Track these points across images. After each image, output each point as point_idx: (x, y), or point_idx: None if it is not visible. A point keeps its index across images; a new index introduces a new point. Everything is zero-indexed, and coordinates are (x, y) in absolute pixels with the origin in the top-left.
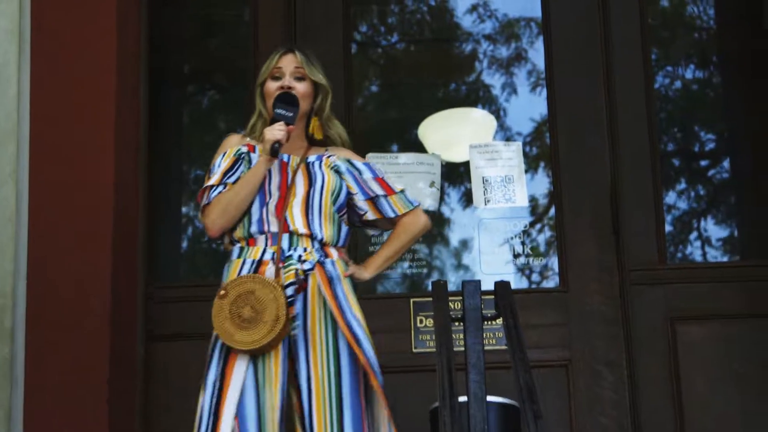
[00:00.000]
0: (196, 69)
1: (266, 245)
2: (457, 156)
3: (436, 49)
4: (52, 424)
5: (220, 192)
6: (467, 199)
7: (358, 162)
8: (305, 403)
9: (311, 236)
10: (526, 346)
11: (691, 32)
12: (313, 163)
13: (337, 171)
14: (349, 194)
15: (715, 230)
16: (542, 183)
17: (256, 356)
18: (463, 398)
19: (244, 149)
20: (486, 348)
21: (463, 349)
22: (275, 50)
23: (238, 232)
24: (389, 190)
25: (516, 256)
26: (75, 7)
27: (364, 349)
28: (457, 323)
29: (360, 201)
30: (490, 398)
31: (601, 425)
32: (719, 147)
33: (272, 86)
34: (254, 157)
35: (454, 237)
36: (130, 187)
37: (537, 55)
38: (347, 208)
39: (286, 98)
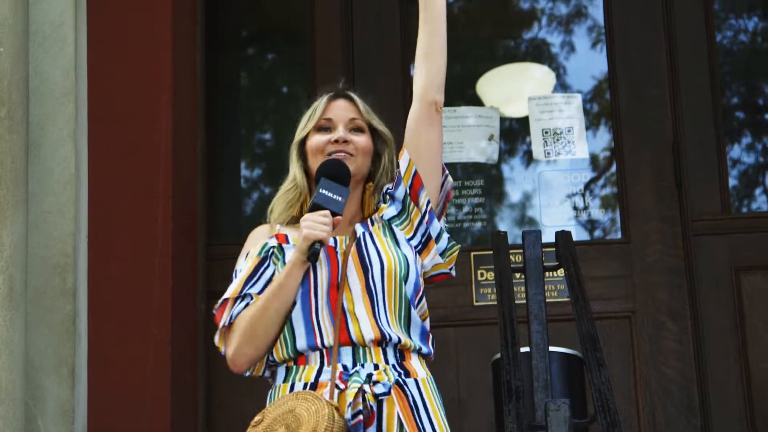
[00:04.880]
0: (252, 30)
1: (322, 363)
2: (516, 111)
3: (494, 4)
4: (114, 378)
5: (242, 309)
6: (527, 154)
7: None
8: None
9: (382, 341)
10: (588, 296)
11: None
12: (363, 236)
13: (392, 228)
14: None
15: None
16: (603, 138)
17: None
18: (525, 349)
19: (273, 242)
20: (548, 300)
21: (524, 301)
22: (319, 95)
23: (280, 353)
24: None
25: (577, 209)
26: None
27: None
28: (518, 275)
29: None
30: (552, 348)
31: (666, 376)
32: None
33: (320, 140)
34: (288, 249)
35: (515, 191)
36: (188, 146)
37: (597, 11)
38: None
39: (335, 171)
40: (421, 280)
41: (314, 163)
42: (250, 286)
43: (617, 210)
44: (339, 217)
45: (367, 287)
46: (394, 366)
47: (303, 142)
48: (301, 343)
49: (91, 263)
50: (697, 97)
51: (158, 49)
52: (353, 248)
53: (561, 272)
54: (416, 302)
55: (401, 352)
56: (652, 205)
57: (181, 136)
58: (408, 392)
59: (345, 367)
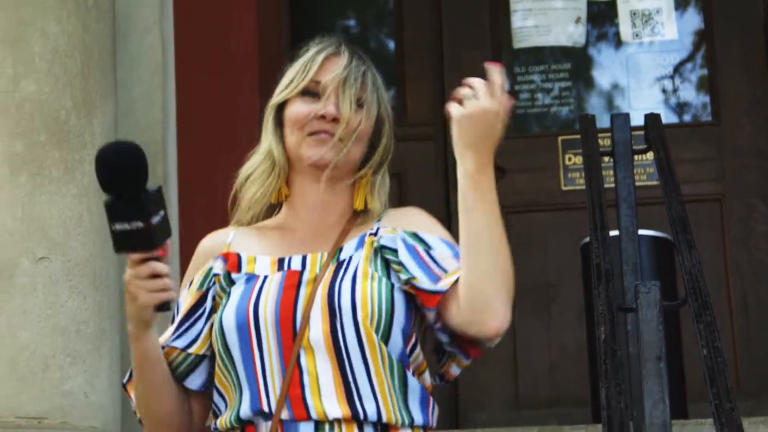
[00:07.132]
0: None
1: None
2: None
3: None
4: None
5: None
6: (615, 36)
7: (429, 235)
8: None
9: (355, 419)
10: (678, 178)
11: None
12: (348, 260)
13: (386, 258)
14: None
15: None
16: (693, 20)
17: None
18: (614, 233)
19: (219, 267)
20: (637, 184)
21: (613, 185)
22: (312, 46)
23: (222, 421)
24: None
25: (666, 91)
26: None
27: None
28: (606, 159)
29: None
30: (641, 232)
31: (756, 259)
32: None
33: (301, 111)
34: (239, 280)
35: (603, 75)
36: (273, 36)
37: None
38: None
39: (111, 177)
40: (412, 323)
41: (291, 140)
42: (176, 338)
43: (707, 92)
44: (160, 252)
45: (335, 340)
46: None
47: (281, 106)
48: (245, 409)
49: (180, 151)
50: None
51: None
52: (332, 267)
53: (650, 155)
54: (409, 354)
55: (385, 427)
56: (743, 87)
57: (266, 26)
58: None
59: None
